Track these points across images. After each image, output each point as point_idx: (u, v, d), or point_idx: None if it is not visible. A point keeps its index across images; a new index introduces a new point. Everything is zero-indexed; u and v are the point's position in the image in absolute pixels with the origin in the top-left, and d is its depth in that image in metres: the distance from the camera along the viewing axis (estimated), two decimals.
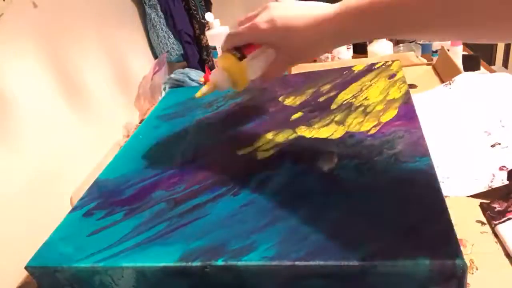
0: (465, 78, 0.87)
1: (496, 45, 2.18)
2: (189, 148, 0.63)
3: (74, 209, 0.54)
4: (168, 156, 0.61)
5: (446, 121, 0.79)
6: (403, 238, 0.39)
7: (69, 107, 1.08)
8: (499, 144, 0.70)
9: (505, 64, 2.21)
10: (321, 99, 0.68)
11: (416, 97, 0.90)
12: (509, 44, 2.17)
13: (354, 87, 0.70)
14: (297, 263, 0.39)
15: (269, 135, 0.60)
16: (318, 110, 0.65)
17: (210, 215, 0.47)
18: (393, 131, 0.56)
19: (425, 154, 0.50)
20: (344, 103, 0.65)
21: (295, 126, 0.61)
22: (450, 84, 0.89)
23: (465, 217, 0.64)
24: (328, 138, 0.57)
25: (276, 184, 0.50)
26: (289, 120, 0.63)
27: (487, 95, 0.80)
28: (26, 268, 0.47)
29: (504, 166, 0.66)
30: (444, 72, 1.05)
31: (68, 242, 0.49)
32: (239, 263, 0.40)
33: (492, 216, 0.63)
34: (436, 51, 1.30)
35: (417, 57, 1.24)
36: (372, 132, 0.56)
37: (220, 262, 0.41)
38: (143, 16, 1.58)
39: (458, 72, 0.95)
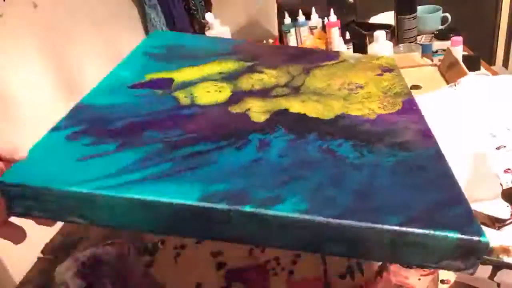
0: (470, 80, 0.87)
1: (497, 45, 2.18)
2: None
3: (54, 129, 0.47)
4: (159, 100, 0.56)
5: (451, 123, 0.79)
6: (430, 214, 0.38)
7: (69, 107, 1.07)
8: (504, 146, 0.70)
9: (505, 64, 2.22)
10: (304, 77, 0.66)
11: (421, 98, 0.89)
12: (509, 44, 2.17)
13: (337, 72, 0.69)
14: (331, 220, 0.37)
15: (258, 101, 0.57)
16: (301, 87, 0.62)
17: (219, 163, 0.44)
18: (396, 121, 0.54)
19: (433, 145, 0.49)
20: (332, 85, 0.64)
21: (281, 99, 0.59)
22: (455, 85, 0.88)
23: None
24: (319, 117, 0.54)
25: (280, 148, 0.47)
26: (272, 93, 0.60)
27: (493, 97, 0.79)
28: None
29: (509, 169, 0.66)
30: (449, 73, 1.05)
31: (53, 162, 0.42)
32: (270, 212, 0.37)
33: (496, 219, 0.62)
34: (436, 51, 1.30)
35: (422, 57, 1.24)
36: (371, 117, 0.55)
37: (248, 208, 0.37)
38: (143, 16, 1.57)
39: (464, 73, 0.94)
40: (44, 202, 0.39)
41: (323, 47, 1.44)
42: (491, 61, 2.18)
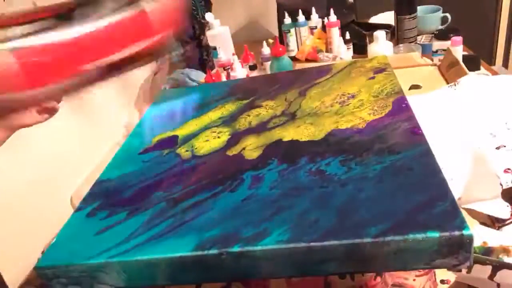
0: (470, 80, 0.87)
1: (496, 45, 2.18)
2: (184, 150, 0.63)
3: (78, 209, 0.55)
4: (164, 160, 0.62)
5: (451, 123, 0.79)
6: (411, 217, 0.39)
7: (69, 107, 1.07)
8: (504, 146, 0.70)
9: (505, 64, 2.22)
10: (300, 101, 0.68)
11: (420, 98, 0.90)
12: (509, 44, 2.17)
13: (332, 86, 0.70)
14: (312, 244, 0.39)
15: (253, 138, 0.60)
16: (297, 112, 0.65)
17: (214, 209, 0.48)
18: (385, 124, 0.55)
19: (420, 142, 0.50)
20: (326, 102, 0.65)
21: (277, 129, 0.62)
22: (455, 85, 0.89)
23: (469, 219, 0.64)
24: (311, 140, 0.57)
25: (270, 180, 0.50)
26: (268, 126, 0.63)
27: (493, 97, 0.79)
28: (36, 269, 0.46)
29: (509, 169, 0.66)
30: (449, 73, 1.05)
31: (76, 241, 0.49)
32: (256, 248, 0.41)
33: (496, 219, 0.63)
34: (436, 51, 1.30)
35: (422, 57, 1.24)
36: (360, 127, 0.56)
37: (236, 248, 0.41)
38: None
39: (464, 73, 0.94)
40: (71, 275, 0.46)
41: (323, 47, 1.44)
42: (491, 61, 2.18)
